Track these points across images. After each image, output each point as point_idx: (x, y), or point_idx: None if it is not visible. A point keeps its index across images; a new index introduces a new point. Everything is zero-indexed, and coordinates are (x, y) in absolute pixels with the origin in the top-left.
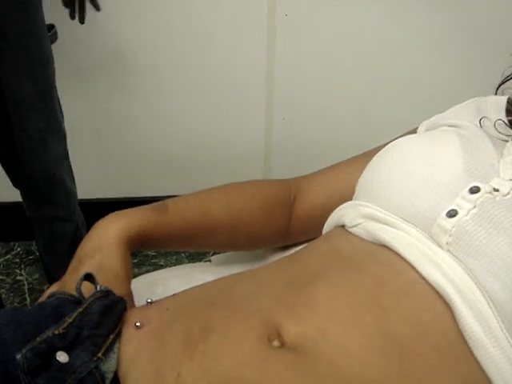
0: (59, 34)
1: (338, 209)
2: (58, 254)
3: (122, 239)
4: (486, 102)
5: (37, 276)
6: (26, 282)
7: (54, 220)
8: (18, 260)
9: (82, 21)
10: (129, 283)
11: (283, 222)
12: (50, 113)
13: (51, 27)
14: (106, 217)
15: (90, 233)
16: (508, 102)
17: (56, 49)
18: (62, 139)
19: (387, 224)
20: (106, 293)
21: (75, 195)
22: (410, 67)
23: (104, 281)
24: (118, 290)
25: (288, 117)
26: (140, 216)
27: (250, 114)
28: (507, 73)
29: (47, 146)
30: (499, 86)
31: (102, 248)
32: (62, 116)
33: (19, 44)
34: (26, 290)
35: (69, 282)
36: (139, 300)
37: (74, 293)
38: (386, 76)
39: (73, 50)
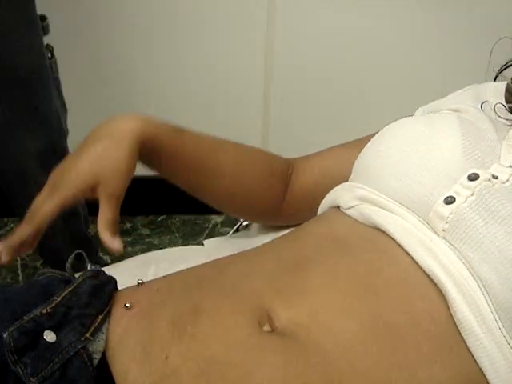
0: None
1: (333, 190)
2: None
3: (136, 136)
4: (485, 88)
5: (29, 252)
6: (18, 258)
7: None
8: None
9: None
10: (126, 181)
11: (279, 194)
12: (24, 104)
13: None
14: (127, 114)
15: (106, 120)
16: (507, 89)
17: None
18: (46, 137)
19: (382, 207)
20: (97, 272)
21: None
22: (412, 48)
23: (104, 169)
24: (113, 182)
25: (286, 98)
26: (158, 124)
27: (247, 94)
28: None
29: (17, 140)
30: (499, 72)
31: (113, 136)
32: (65, 110)
33: None
34: (19, 266)
35: (68, 165)
36: (131, 281)
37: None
38: (387, 58)
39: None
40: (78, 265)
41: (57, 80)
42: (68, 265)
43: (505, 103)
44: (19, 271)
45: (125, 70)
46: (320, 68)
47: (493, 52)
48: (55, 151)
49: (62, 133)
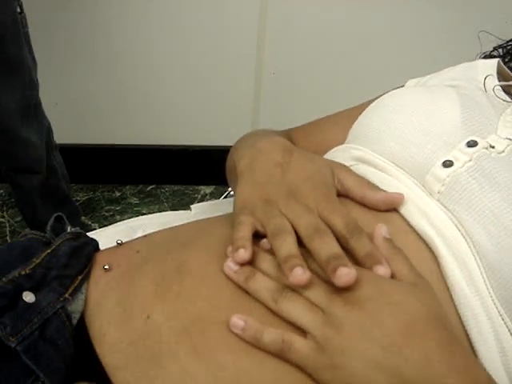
0: None
1: (328, 153)
2: (29, 205)
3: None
4: (475, 66)
5: (19, 219)
6: (7, 225)
7: (18, 172)
8: (0, 202)
9: None
10: None
11: None
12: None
13: None
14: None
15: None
16: (498, 70)
17: None
18: (22, 90)
19: (378, 168)
20: (77, 234)
21: (38, 147)
22: (406, 22)
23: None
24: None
25: (277, 71)
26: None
27: (239, 67)
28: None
29: None
30: (493, 50)
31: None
32: (34, 63)
33: None
34: (8, 233)
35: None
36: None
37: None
38: (380, 31)
39: None
40: (59, 227)
41: (26, 34)
42: (48, 227)
43: (497, 82)
44: (8, 237)
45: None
46: (311, 42)
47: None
48: (29, 105)
49: (34, 86)
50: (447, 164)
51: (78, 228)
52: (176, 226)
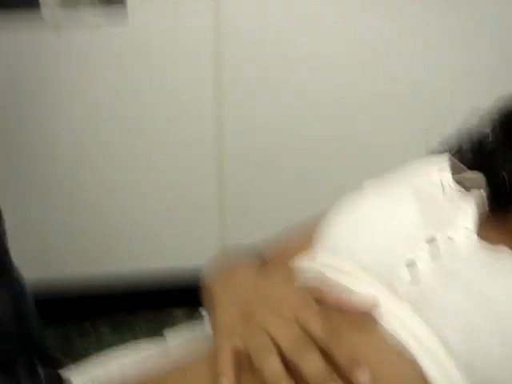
0: None
1: (295, 260)
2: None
3: None
4: (428, 162)
5: None
6: None
7: None
8: None
9: None
10: None
11: None
12: None
13: None
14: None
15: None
16: (451, 165)
17: None
18: None
19: (346, 273)
20: (50, 378)
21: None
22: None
23: None
24: None
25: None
26: None
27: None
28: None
29: None
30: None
31: None
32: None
33: None
34: None
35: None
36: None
37: None
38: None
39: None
40: (30, 368)
41: None
42: (19, 370)
43: (453, 178)
44: None
45: None
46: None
47: None
48: None
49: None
50: (410, 264)
51: (49, 369)
52: (156, 376)
